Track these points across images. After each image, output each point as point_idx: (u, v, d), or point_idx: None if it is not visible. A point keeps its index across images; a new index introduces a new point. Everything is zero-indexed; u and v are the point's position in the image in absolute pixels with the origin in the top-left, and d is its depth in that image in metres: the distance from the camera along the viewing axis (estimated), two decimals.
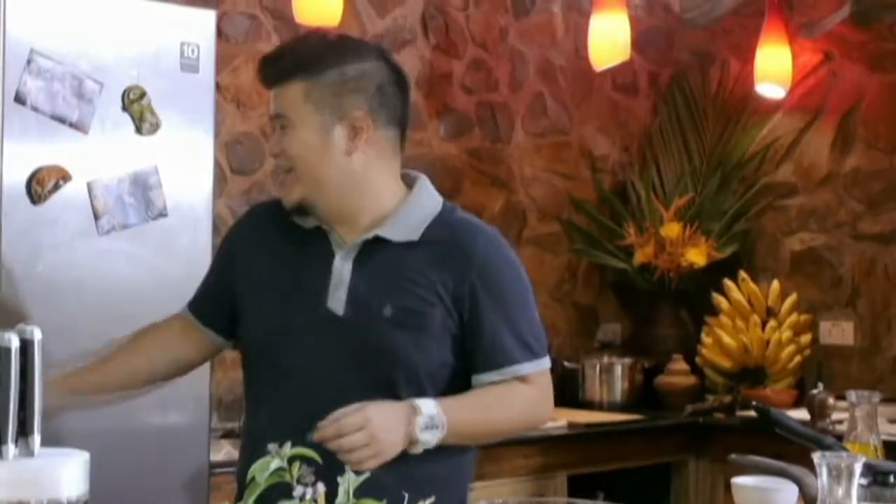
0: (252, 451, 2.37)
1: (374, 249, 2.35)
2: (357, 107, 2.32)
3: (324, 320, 2.33)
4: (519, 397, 2.40)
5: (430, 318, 2.32)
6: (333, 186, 2.35)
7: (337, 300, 2.33)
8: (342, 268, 2.35)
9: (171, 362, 2.58)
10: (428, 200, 2.44)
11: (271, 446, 1.50)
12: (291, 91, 2.34)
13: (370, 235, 2.35)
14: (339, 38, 2.42)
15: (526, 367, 2.38)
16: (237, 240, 2.53)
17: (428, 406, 2.24)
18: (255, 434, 2.34)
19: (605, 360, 4.93)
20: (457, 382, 2.36)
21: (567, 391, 4.92)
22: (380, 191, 2.39)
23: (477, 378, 2.37)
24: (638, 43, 4.97)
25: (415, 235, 2.36)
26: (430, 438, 2.24)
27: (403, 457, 2.24)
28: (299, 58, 2.36)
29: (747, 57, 5.08)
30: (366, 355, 2.32)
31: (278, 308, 2.39)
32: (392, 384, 2.30)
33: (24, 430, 1.72)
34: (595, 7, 4.78)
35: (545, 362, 2.43)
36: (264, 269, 2.43)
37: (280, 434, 2.16)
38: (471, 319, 2.34)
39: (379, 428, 2.18)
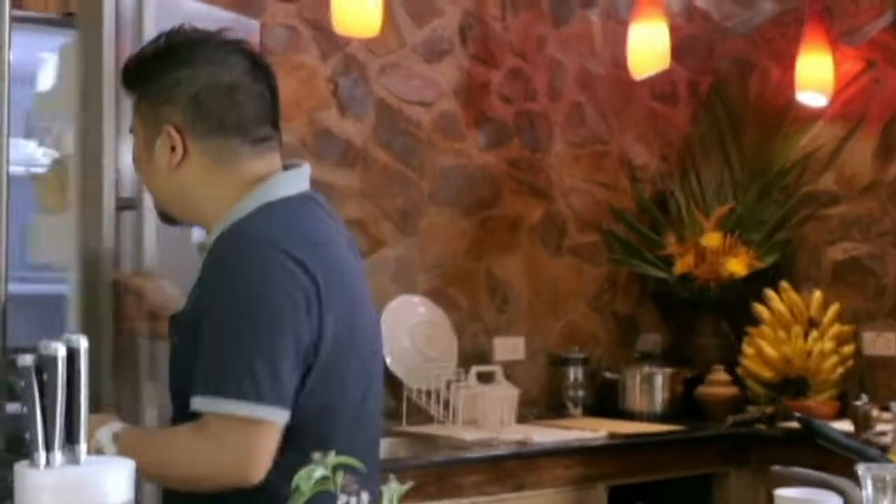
0: None
1: None
2: (170, 120, 2.21)
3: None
4: (178, 439, 2.14)
5: (189, 331, 2.15)
6: (169, 197, 2.29)
7: None
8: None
9: None
10: (245, 206, 2.21)
11: (316, 455, 1.50)
12: (134, 103, 2.29)
13: (199, 244, 2.31)
14: (172, 42, 2.25)
15: (196, 403, 2.08)
16: None
17: (106, 431, 2.13)
18: None
19: (646, 370, 4.91)
20: None
21: (607, 401, 4.91)
22: (216, 200, 2.23)
23: None
24: (677, 51, 4.95)
25: (209, 243, 2.24)
26: None
27: None
28: (131, 70, 2.29)
29: (788, 65, 5.06)
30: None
31: None
32: (174, 398, 2.24)
33: (70, 438, 1.74)
34: (634, 16, 4.77)
35: (223, 405, 2.05)
36: None
37: None
38: None
39: None
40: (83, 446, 1.74)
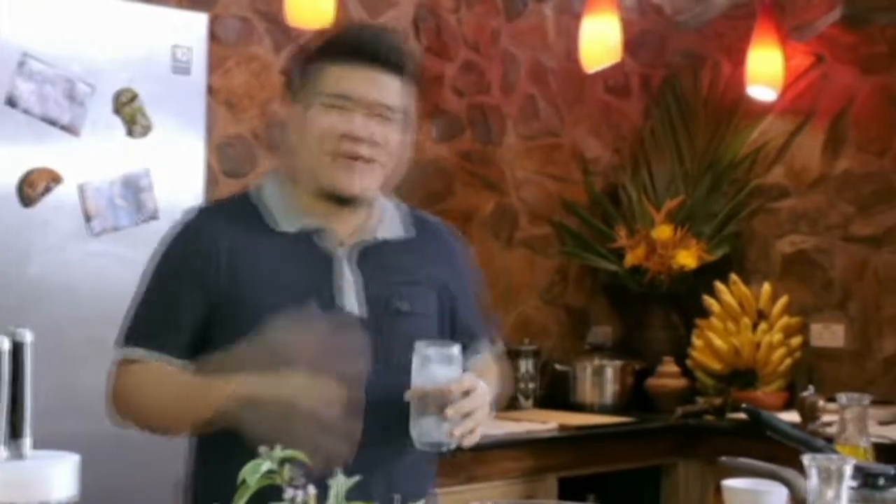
0: None
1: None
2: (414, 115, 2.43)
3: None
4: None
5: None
6: (390, 184, 2.42)
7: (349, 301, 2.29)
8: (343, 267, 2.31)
9: None
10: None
11: (262, 449, 1.50)
12: (397, 85, 2.39)
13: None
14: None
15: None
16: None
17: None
18: None
19: (596, 362, 4.93)
20: None
21: (558, 394, 4.93)
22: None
23: None
24: (629, 45, 4.97)
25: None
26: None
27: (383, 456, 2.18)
28: (406, 58, 2.42)
29: (739, 59, 5.09)
30: None
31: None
32: None
33: (14, 433, 1.73)
34: (586, 9, 4.79)
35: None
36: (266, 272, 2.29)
37: None
38: None
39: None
40: (28, 441, 1.74)
